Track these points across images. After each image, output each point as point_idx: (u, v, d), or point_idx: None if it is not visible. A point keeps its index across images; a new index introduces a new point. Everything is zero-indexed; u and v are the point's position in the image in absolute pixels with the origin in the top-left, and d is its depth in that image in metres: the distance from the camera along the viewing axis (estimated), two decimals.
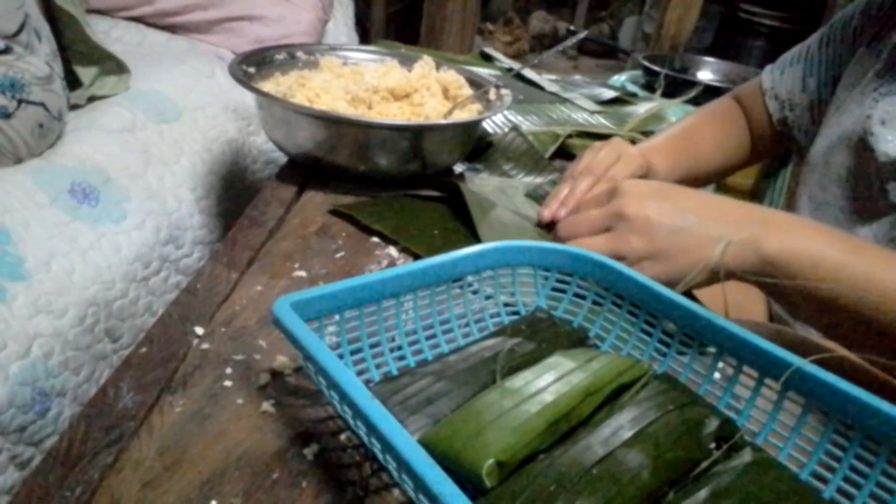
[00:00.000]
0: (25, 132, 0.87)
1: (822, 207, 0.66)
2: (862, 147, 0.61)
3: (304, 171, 0.75)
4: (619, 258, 0.50)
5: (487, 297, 0.50)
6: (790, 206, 0.73)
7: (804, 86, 0.75)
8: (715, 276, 0.49)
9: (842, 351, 0.50)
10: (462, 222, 0.67)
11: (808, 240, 0.48)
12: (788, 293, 0.48)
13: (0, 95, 0.83)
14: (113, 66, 1.09)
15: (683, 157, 0.78)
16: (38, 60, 0.88)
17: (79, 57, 1.04)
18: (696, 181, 0.82)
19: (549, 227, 0.65)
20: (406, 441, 0.29)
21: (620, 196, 0.52)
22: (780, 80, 0.78)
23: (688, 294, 0.53)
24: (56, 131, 0.94)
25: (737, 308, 0.69)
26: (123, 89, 1.10)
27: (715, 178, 0.87)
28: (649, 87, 1.51)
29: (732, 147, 0.83)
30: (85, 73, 1.05)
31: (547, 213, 0.65)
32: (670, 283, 0.46)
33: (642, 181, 0.54)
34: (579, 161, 0.69)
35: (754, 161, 0.86)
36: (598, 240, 0.52)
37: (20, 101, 0.85)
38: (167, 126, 1.10)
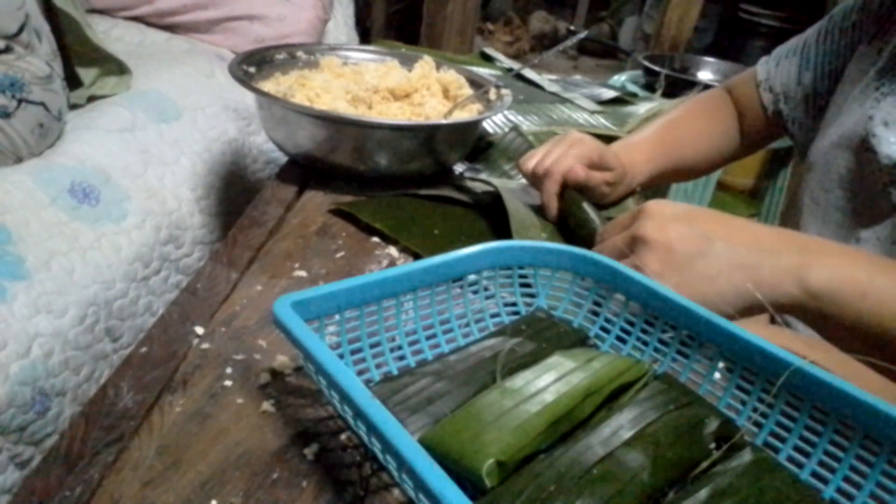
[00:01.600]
0: (25, 132, 0.87)
1: (823, 209, 0.66)
2: (864, 148, 0.60)
3: (304, 171, 0.75)
4: None
5: (488, 297, 0.50)
6: (792, 206, 0.72)
7: (799, 79, 0.75)
8: (748, 310, 0.46)
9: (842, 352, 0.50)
10: (462, 222, 0.67)
11: (854, 266, 0.45)
12: (834, 324, 0.45)
13: (0, 95, 0.83)
14: (114, 66, 1.09)
15: (665, 149, 0.77)
16: (38, 60, 0.88)
17: (80, 57, 1.04)
18: (679, 173, 0.82)
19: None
20: (406, 441, 0.29)
21: (643, 218, 0.49)
22: (775, 73, 0.77)
23: None
24: (56, 131, 0.94)
25: None
26: (124, 89, 1.11)
27: (702, 171, 0.86)
28: (649, 87, 1.51)
29: (719, 139, 0.82)
30: (86, 73, 1.05)
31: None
32: None
33: (671, 203, 0.51)
34: (531, 157, 0.69)
35: (744, 154, 0.85)
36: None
37: (20, 101, 0.86)
38: (167, 126, 1.10)
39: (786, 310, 0.46)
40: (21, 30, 0.86)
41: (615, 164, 0.70)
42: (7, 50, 0.85)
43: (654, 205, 0.50)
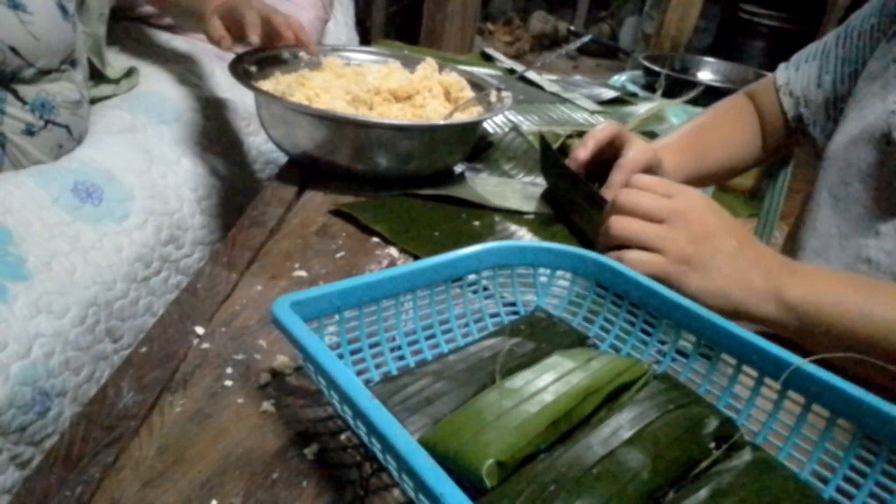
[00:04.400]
0: (45, 150, 0.88)
1: (842, 203, 0.66)
2: (885, 142, 0.61)
3: (304, 171, 0.75)
4: (657, 250, 0.51)
5: (487, 297, 0.50)
6: (807, 203, 0.72)
7: (819, 82, 0.75)
8: (735, 315, 0.50)
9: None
10: (462, 223, 0.67)
11: (829, 285, 0.50)
12: (813, 336, 0.50)
13: (30, 114, 0.85)
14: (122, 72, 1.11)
15: (691, 155, 0.78)
16: (71, 85, 0.90)
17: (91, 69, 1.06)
18: (703, 179, 0.83)
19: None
20: (406, 441, 0.29)
21: (686, 196, 0.53)
22: (795, 77, 0.78)
23: None
24: (69, 150, 0.94)
25: None
26: (126, 89, 1.11)
27: (725, 177, 0.87)
28: (649, 87, 1.51)
29: (743, 146, 0.83)
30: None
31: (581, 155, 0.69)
32: (696, 299, 0.46)
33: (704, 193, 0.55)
34: (604, 129, 0.71)
35: (766, 159, 0.86)
36: (650, 227, 0.52)
37: (47, 122, 0.87)
38: (167, 127, 1.10)
39: (768, 324, 0.51)
40: (64, 60, 0.88)
41: (627, 141, 0.71)
42: (46, 73, 0.86)
43: (695, 190, 0.54)
